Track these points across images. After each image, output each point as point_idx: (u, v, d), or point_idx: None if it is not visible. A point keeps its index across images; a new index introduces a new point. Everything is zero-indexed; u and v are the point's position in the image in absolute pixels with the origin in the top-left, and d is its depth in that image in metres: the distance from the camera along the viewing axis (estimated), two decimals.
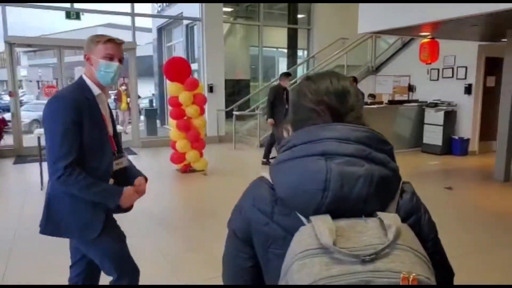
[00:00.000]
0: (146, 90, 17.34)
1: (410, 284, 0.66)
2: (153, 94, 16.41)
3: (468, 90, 8.12)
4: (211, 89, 9.88)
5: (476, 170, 7.20)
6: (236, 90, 12.22)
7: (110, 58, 1.83)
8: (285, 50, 13.22)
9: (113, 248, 1.91)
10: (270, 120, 6.96)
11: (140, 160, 7.90)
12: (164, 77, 13.01)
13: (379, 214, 0.76)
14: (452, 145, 8.19)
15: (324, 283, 0.66)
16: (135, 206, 2.03)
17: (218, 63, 10.07)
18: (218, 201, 5.00)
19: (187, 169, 6.74)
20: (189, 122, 6.58)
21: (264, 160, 7.22)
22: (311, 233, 0.73)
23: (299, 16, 12.46)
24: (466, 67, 8.20)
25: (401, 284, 0.66)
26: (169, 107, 6.81)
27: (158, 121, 11.74)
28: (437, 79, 8.85)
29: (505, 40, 6.87)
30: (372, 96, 9.30)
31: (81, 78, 1.89)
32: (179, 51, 12.13)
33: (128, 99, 10.82)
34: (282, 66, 13.60)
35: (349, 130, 0.82)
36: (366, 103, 8.56)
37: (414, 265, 0.69)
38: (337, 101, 0.88)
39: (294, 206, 0.81)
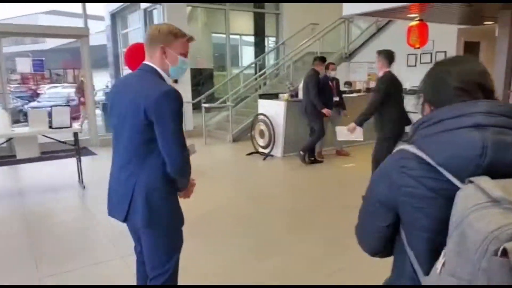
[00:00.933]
0: (100, 82, 16.07)
1: None
2: (107, 86, 15.19)
3: None
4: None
5: None
6: (199, 81, 11.43)
7: (186, 55, 1.87)
8: (250, 38, 12.56)
9: (179, 242, 1.99)
10: (327, 110, 5.96)
11: (101, 162, 6.96)
12: (121, 68, 12.02)
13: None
14: None
15: (505, 229, 0.75)
16: None
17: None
18: (196, 210, 4.29)
19: None
20: None
21: (308, 160, 6.30)
22: (476, 190, 0.83)
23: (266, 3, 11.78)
24: (445, 52, 7.90)
25: None
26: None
27: None
28: (415, 65, 8.53)
29: (489, 23, 6.61)
30: (348, 84, 8.84)
31: (154, 68, 1.83)
32: (137, 39, 11.07)
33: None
34: (248, 54, 12.92)
35: (494, 105, 0.94)
36: (344, 92, 8.05)
37: None
38: (485, 80, 1.02)
39: (451, 170, 0.91)
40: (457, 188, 0.88)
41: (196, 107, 9.35)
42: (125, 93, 1.84)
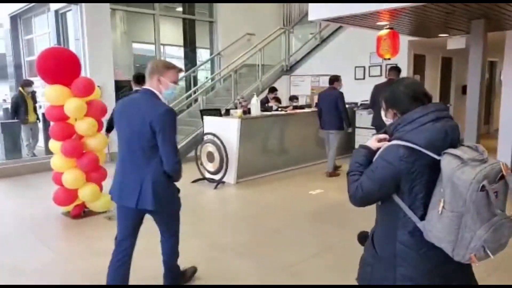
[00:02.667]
0: None
1: (504, 168, 1.37)
2: (4, 101, 12.77)
3: None
4: None
5: None
6: (119, 96, 10.00)
7: (176, 82, 2.50)
8: (178, 48, 11.41)
9: (178, 216, 2.76)
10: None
11: None
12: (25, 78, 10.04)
13: (468, 143, 1.48)
14: None
15: (479, 175, 1.32)
16: None
17: (106, 59, 7.83)
18: (141, 269, 3.11)
19: (80, 212, 4.59)
20: (81, 144, 4.45)
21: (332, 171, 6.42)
22: (452, 157, 1.39)
23: (198, 9, 10.76)
24: (396, 64, 7.62)
25: (502, 167, 1.36)
26: (49, 122, 4.59)
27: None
28: (363, 78, 8.17)
29: (443, 35, 6.39)
30: (294, 98, 8.17)
31: (153, 92, 2.43)
32: (45, 46, 9.34)
33: None
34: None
35: (437, 105, 1.55)
36: (280, 108, 7.37)
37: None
38: (425, 90, 1.63)
39: (430, 149, 1.44)
40: (434, 159, 1.44)
41: None
42: (134, 109, 2.42)
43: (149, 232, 2.79)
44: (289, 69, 9.59)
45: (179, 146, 7.91)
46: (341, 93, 6.31)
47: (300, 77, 9.43)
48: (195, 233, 4.04)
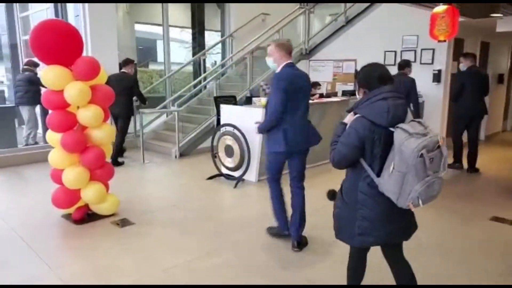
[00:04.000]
0: None
1: (441, 140, 1.85)
2: (2, 82, 11.97)
3: (437, 77, 6.83)
4: None
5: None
6: None
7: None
8: (182, 30, 10.59)
9: None
10: None
11: None
12: (21, 60, 9.28)
13: (417, 119, 1.95)
14: None
15: (419, 145, 1.77)
16: None
17: (110, 39, 7.07)
18: None
19: (83, 216, 3.91)
20: (84, 136, 3.76)
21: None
22: (401, 131, 1.84)
23: None
24: (433, 50, 6.88)
25: (439, 139, 1.84)
26: (46, 110, 3.89)
27: (16, 124, 8.00)
28: (394, 64, 7.40)
29: (496, 15, 5.64)
30: (317, 85, 7.42)
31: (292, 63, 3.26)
32: None
33: None
34: (179, 50, 10.91)
35: (391, 87, 2.00)
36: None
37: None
38: (389, 73, 2.08)
39: (377, 121, 1.91)
40: (389, 131, 1.91)
41: None
42: (300, 78, 3.22)
43: None
44: (308, 53, 8.81)
45: (190, 136, 7.37)
46: (413, 80, 5.59)
47: (320, 62, 8.67)
48: (222, 246, 3.38)
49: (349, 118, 2.05)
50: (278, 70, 3.16)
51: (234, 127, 5.17)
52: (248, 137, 5.07)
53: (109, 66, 6.80)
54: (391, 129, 1.88)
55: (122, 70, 6.19)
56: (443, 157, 1.87)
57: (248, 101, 5.75)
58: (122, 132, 6.17)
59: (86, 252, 3.29)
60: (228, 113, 5.55)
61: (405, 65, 5.69)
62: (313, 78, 8.35)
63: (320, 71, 8.70)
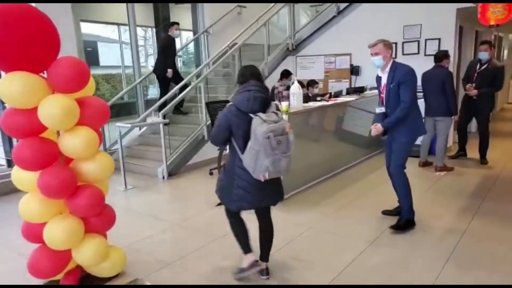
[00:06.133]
0: None
1: (287, 127, 2.53)
2: None
3: None
4: None
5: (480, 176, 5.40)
6: None
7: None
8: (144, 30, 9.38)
9: None
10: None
11: None
12: None
13: (276, 111, 2.59)
14: (432, 143, 6.15)
15: (268, 130, 2.40)
16: None
17: (68, 37, 5.79)
18: None
19: (77, 281, 2.76)
20: (72, 173, 2.61)
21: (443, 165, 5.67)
22: (258, 118, 2.46)
23: None
24: (439, 39, 6.31)
25: (286, 127, 2.51)
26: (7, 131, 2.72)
27: None
28: (395, 56, 6.75)
29: None
30: (315, 83, 6.59)
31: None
32: None
33: None
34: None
35: (256, 83, 2.59)
36: (307, 98, 5.74)
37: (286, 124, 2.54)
38: (259, 72, 2.72)
39: (242, 109, 2.51)
40: (250, 117, 2.49)
41: None
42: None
43: None
44: (294, 49, 7.97)
45: (179, 152, 6.20)
46: (450, 73, 5.31)
47: (309, 58, 7.86)
48: None
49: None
50: (388, 67, 3.51)
51: None
52: None
53: None
54: (252, 115, 2.49)
55: None
56: (289, 141, 2.51)
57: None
58: None
59: None
60: None
61: (443, 56, 5.25)
62: (301, 76, 7.54)
63: (308, 68, 7.90)
